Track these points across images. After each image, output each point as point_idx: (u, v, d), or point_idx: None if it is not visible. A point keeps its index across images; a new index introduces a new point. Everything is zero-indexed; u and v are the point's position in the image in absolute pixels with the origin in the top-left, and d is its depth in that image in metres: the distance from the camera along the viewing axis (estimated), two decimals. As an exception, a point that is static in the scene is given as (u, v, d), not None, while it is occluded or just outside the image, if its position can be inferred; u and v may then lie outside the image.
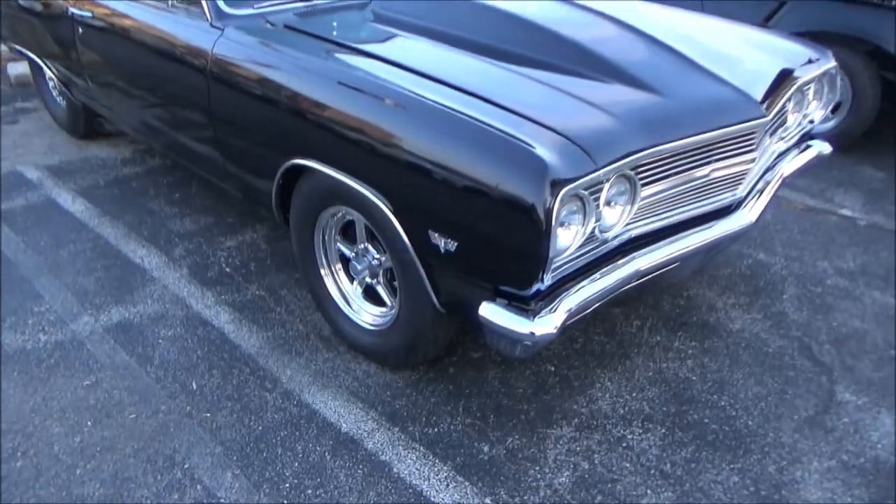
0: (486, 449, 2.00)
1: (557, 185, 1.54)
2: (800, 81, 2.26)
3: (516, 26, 2.30)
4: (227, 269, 2.86)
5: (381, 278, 2.24)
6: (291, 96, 2.08)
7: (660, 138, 1.77)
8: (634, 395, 2.20)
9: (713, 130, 1.87)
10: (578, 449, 2.00)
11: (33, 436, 2.05)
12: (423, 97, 1.80)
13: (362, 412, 2.13)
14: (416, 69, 1.96)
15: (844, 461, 1.96)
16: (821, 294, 2.71)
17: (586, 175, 1.59)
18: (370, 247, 2.21)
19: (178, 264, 2.90)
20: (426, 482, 1.90)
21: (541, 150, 1.58)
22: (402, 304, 2.07)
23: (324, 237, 2.32)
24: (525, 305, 1.71)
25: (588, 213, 1.65)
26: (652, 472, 1.92)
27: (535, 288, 1.67)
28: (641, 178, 1.77)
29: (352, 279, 2.35)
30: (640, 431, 2.06)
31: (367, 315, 2.30)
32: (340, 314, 2.36)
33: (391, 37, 2.33)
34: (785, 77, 2.23)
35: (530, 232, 1.56)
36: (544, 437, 2.04)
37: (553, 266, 1.67)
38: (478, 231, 1.69)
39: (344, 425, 2.08)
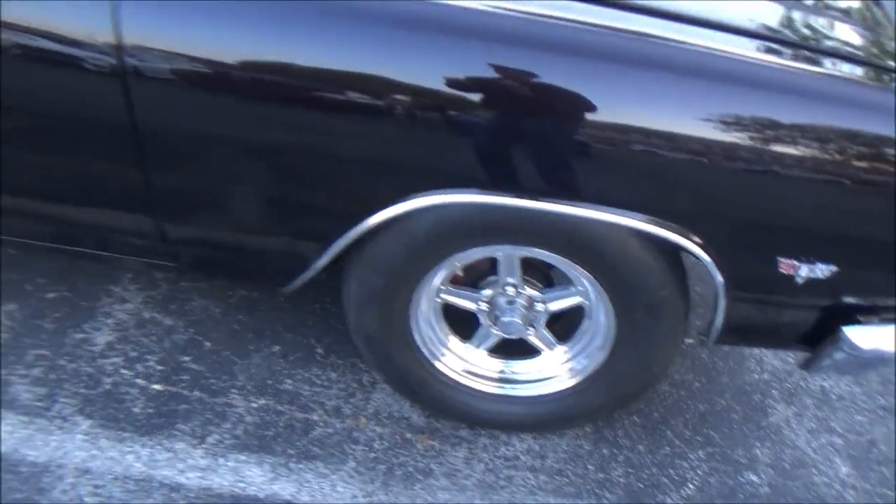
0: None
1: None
2: None
3: None
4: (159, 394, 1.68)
5: (538, 324, 1.52)
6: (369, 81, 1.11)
7: None
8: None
9: None
10: None
11: None
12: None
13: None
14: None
15: None
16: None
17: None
18: (527, 290, 1.46)
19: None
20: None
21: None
22: (621, 349, 1.42)
23: (422, 301, 1.46)
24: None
25: None
26: None
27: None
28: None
29: (464, 340, 1.58)
30: None
31: (548, 377, 1.57)
32: (479, 397, 1.58)
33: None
34: None
35: None
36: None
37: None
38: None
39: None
